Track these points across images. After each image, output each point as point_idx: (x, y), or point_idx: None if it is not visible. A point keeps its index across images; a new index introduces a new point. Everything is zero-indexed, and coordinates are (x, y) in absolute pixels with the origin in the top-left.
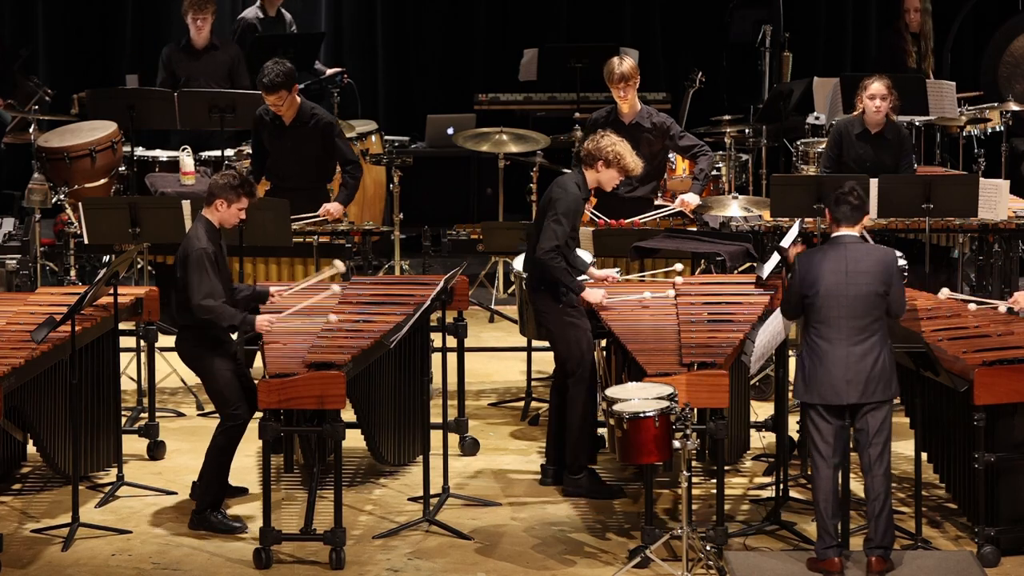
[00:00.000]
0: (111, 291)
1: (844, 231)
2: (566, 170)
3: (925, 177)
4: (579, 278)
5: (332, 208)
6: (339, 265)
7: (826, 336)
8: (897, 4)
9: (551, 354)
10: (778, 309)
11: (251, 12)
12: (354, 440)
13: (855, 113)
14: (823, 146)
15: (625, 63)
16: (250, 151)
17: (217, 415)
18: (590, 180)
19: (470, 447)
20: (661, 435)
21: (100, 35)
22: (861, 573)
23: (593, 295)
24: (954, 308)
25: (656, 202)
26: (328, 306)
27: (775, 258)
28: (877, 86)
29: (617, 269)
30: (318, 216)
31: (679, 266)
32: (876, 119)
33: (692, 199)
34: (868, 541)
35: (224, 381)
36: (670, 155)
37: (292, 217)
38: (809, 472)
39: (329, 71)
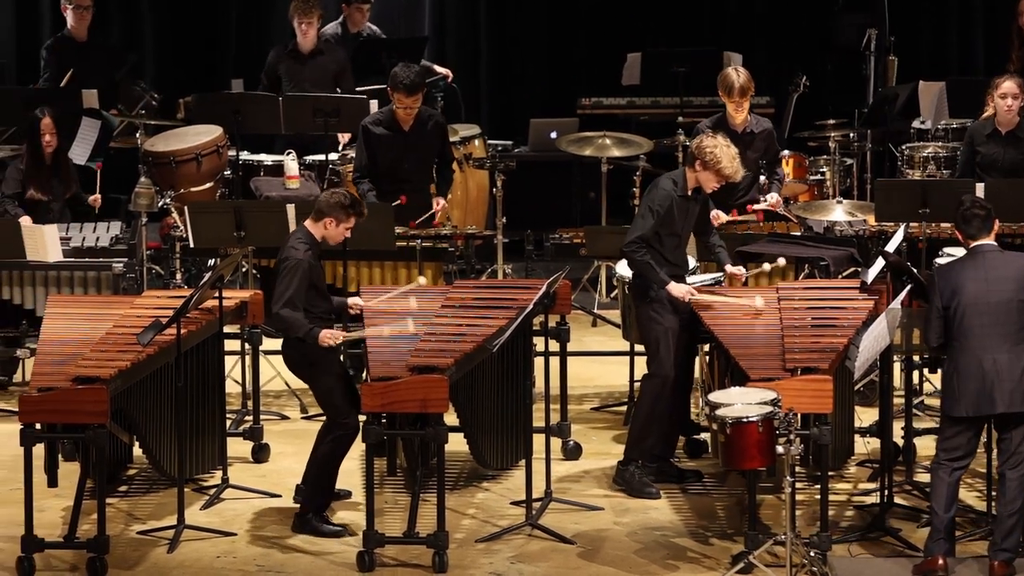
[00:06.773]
0: (216, 294)
1: (982, 241)
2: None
3: None
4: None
5: (443, 201)
6: (422, 281)
7: (970, 348)
8: (1005, 8)
9: None
10: (882, 315)
11: (331, 28)
12: (457, 444)
13: (986, 115)
14: (928, 150)
15: (742, 75)
16: (353, 155)
17: (322, 418)
18: (690, 179)
19: (573, 451)
20: (764, 440)
21: (205, 40)
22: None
23: (678, 289)
24: None
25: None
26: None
27: (879, 263)
28: (1009, 85)
29: (742, 268)
30: (435, 212)
31: (782, 261)
32: (1008, 118)
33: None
34: (993, 544)
35: (334, 389)
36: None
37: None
38: (914, 478)
39: (439, 69)
